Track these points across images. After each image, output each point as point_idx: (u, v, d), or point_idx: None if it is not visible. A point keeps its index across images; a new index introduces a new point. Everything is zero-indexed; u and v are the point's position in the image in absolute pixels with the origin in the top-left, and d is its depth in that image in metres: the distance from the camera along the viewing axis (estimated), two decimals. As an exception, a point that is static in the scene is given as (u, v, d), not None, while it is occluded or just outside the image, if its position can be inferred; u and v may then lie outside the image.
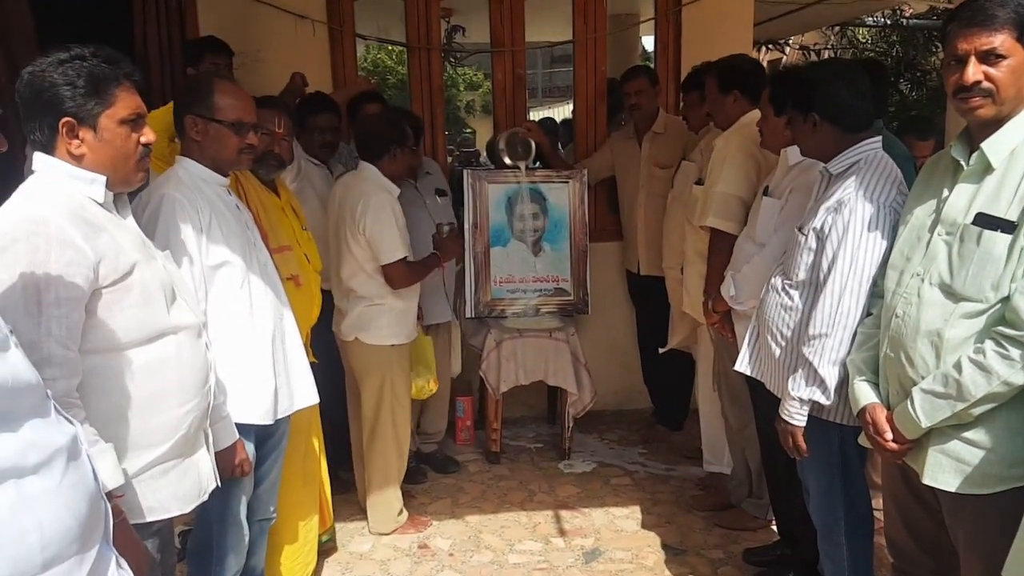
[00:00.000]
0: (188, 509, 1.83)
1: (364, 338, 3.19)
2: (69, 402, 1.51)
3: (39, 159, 1.65)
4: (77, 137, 1.64)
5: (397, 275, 3.13)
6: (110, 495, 1.49)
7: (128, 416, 1.66)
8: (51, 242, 1.53)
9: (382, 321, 3.19)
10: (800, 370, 2.17)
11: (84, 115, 1.63)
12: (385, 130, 3.20)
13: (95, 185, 1.65)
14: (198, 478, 1.84)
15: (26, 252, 1.51)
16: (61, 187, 1.63)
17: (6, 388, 1.05)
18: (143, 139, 1.72)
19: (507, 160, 4.15)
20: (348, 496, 3.53)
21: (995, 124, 1.73)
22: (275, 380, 2.24)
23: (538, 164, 4.28)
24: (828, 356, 2.10)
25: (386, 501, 3.33)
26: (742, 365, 2.55)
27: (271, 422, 2.24)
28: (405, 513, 3.39)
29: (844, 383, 2.10)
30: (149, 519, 1.73)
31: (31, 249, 1.51)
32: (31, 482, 1.05)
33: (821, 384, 2.12)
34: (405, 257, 3.14)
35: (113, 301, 1.62)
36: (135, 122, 1.70)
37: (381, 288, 3.16)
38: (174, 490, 1.77)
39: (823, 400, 2.13)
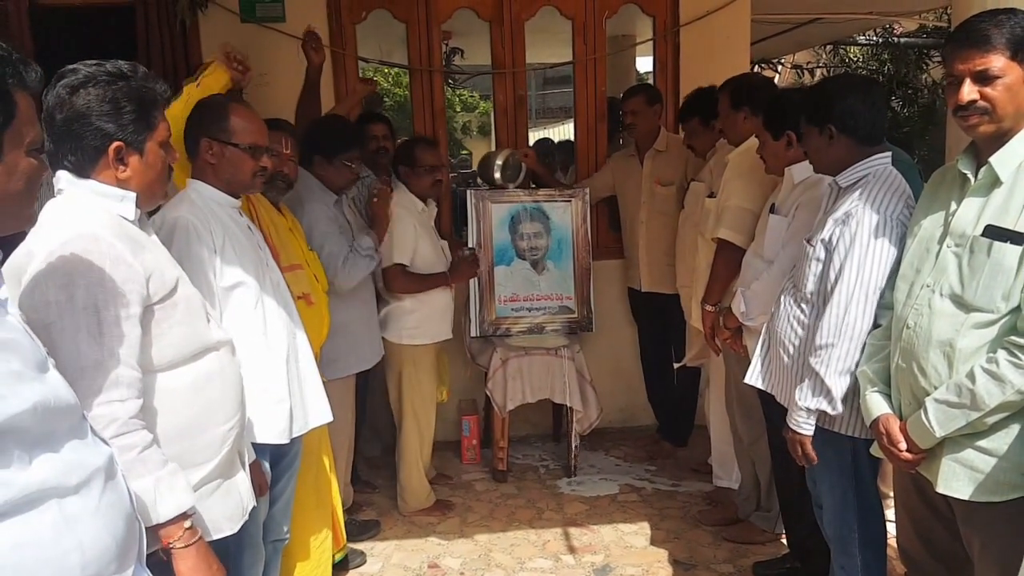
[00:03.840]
0: (237, 528, 1.78)
1: (386, 335, 3.45)
2: (136, 423, 1.48)
3: (65, 178, 1.60)
4: (123, 162, 1.59)
5: (392, 280, 3.43)
6: (184, 516, 1.49)
7: (179, 435, 1.62)
8: (104, 259, 1.48)
9: (406, 322, 3.47)
10: (807, 380, 2.19)
11: (132, 140, 1.59)
12: (410, 151, 3.59)
13: (126, 203, 1.60)
14: (240, 496, 1.81)
15: (82, 271, 1.45)
16: (97, 205, 1.58)
17: (47, 409, 1.06)
18: (170, 159, 1.71)
19: (497, 176, 4.16)
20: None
21: (1000, 138, 1.77)
22: (290, 399, 2.25)
23: (533, 187, 4.32)
24: (835, 366, 2.11)
25: (413, 486, 3.66)
26: (752, 377, 2.56)
27: (287, 441, 2.24)
28: (433, 496, 3.71)
29: (851, 394, 2.11)
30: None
31: (86, 268, 1.46)
32: (72, 502, 1.07)
33: (827, 394, 2.13)
34: (403, 266, 3.42)
35: (163, 318, 1.59)
36: (166, 143, 1.68)
37: None
38: (222, 509, 1.73)
39: (829, 410, 2.14)
